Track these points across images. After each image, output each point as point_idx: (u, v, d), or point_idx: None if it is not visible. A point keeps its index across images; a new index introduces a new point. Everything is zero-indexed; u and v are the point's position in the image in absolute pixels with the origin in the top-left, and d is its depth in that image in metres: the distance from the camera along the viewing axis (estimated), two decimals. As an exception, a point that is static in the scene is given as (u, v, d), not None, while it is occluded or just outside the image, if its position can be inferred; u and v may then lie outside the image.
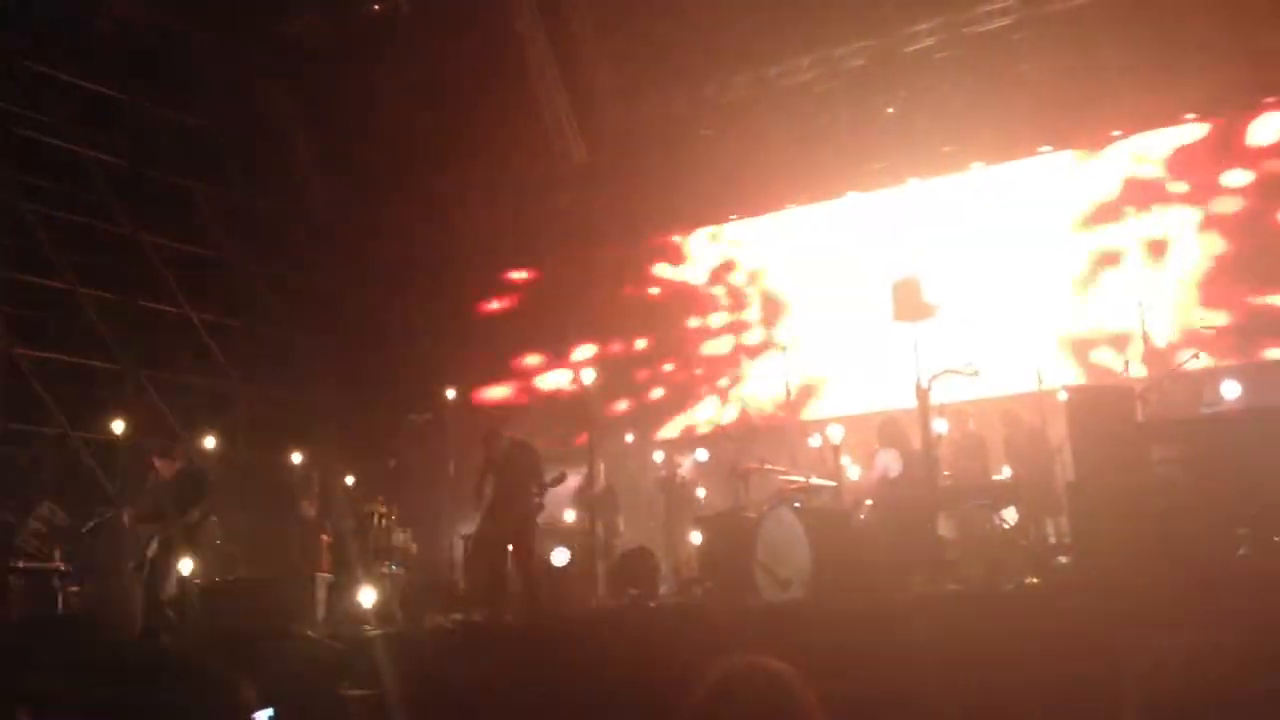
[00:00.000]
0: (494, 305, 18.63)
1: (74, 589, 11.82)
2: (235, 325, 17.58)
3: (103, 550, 11.73)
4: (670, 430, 16.70)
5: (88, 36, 15.67)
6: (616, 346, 17.54)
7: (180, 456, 12.70)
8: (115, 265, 16.18)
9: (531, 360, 17.95)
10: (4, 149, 14.92)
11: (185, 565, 10.91)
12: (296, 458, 14.16)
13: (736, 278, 17.11)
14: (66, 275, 15.35)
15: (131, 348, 15.78)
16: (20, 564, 11.52)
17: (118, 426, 12.97)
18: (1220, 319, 13.11)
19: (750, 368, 16.55)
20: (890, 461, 10.81)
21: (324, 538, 12.58)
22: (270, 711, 4.94)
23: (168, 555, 11.06)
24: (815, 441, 13.02)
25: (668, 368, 17.25)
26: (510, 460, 10.96)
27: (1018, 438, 12.02)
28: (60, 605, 11.59)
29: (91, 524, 12.41)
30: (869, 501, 11.49)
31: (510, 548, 10.77)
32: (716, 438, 15.71)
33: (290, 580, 11.59)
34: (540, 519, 13.57)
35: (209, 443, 14.06)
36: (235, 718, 4.75)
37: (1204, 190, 14.02)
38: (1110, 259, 14.40)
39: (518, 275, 18.62)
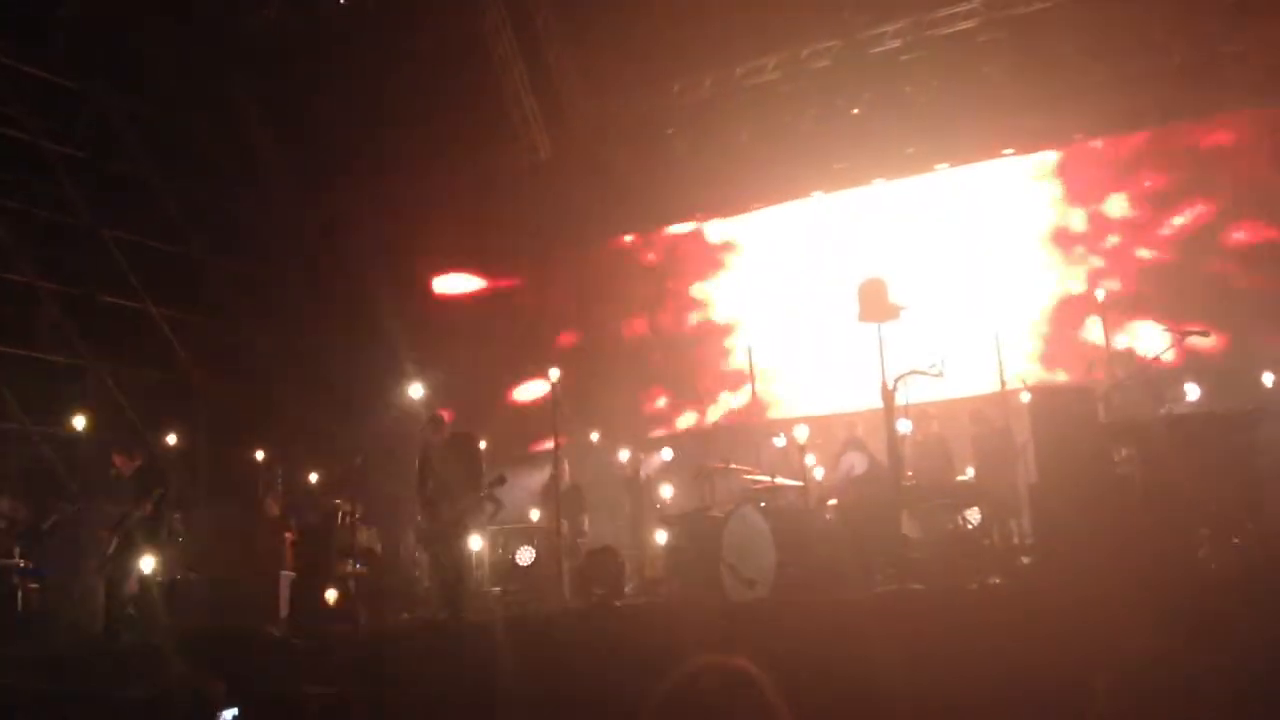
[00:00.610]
0: (459, 301, 18.56)
1: (34, 586, 11.71)
2: (198, 321, 17.46)
3: (64, 547, 11.63)
4: (636, 428, 16.69)
5: (48, 26, 15.51)
6: (581, 343, 17.52)
7: (141, 453, 12.61)
8: (76, 259, 16.06)
9: (497, 355, 17.89)
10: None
11: (147, 563, 10.82)
12: (260, 455, 14.08)
13: (700, 277, 17.13)
14: (26, 269, 15.21)
15: (93, 342, 15.65)
16: (-20, 561, 11.42)
17: (79, 422, 12.87)
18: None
19: (714, 367, 16.58)
20: (855, 460, 10.88)
21: (288, 535, 12.52)
22: (235, 710, 4.94)
23: (129, 552, 10.98)
24: (780, 441, 13.06)
25: (631, 366, 17.25)
26: (451, 451, 10.92)
27: (986, 437, 12.07)
28: (20, 603, 11.48)
29: (52, 520, 12.31)
30: (832, 501, 11.56)
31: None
32: (682, 437, 15.74)
33: (254, 578, 11.53)
34: (504, 518, 13.62)
35: (171, 439, 13.97)
36: (201, 716, 4.75)
37: (1166, 191, 14.17)
38: (1073, 260, 14.54)
39: (482, 271, 18.56)
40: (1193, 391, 11.61)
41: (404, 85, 16.72)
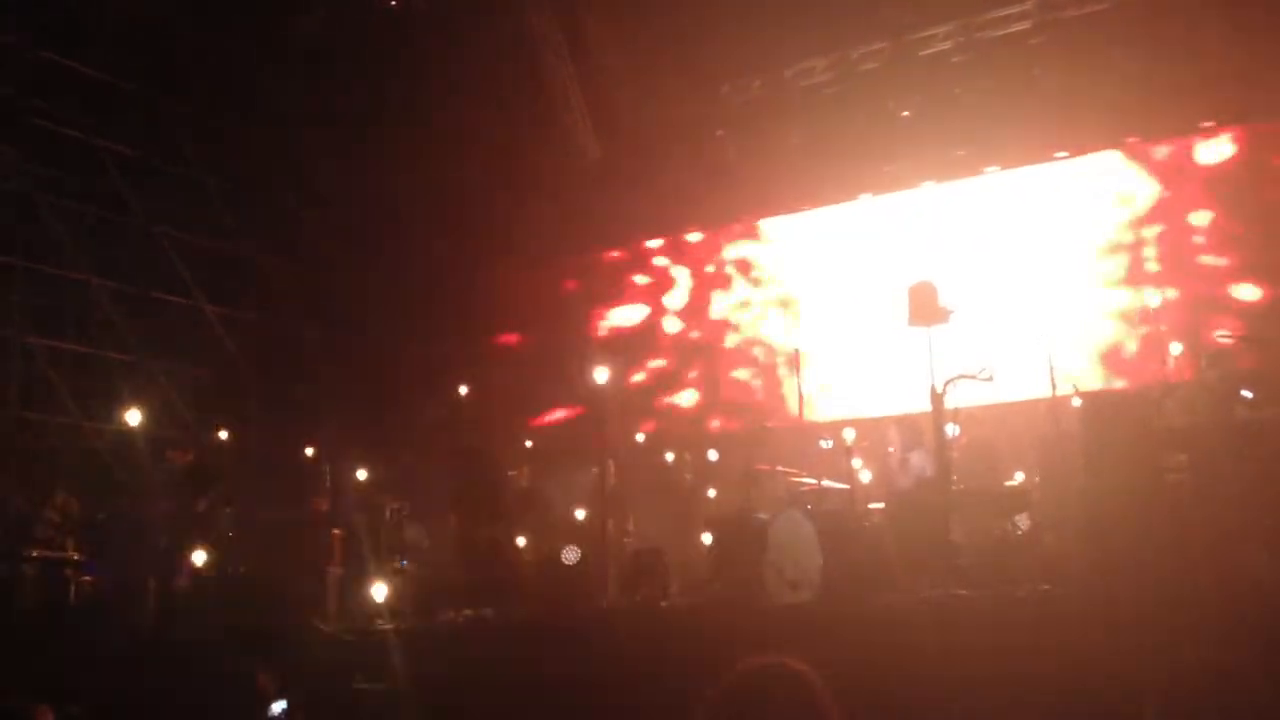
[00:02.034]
0: (505, 300, 18.63)
1: (87, 579, 11.86)
2: (248, 318, 17.64)
3: (116, 541, 11.77)
4: (681, 429, 16.69)
5: (100, 27, 15.73)
6: (627, 344, 17.53)
7: (193, 448, 12.79)
8: (129, 256, 16.28)
9: (544, 354, 17.93)
10: (18, 139, 15.01)
11: (198, 557, 10.96)
12: (309, 451, 14.20)
13: (749, 279, 17.10)
14: (80, 265, 15.43)
15: (145, 339, 15.85)
16: (34, 554, 11.57)
17: (132, 417, 13.03)
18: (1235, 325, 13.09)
19: (762, 369, 16.56)
20: (925, 462, 10.77)
21: (335, 532, 12.60)
22: (284, 703, 4.99)
23: (180, 547, 11.13)
24: (827, 444, 12.99)
25: (679, 367, 17.25)
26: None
27: (1053, 440, 11.83)
28: (73, 596, 11.64)
29: (105, 514, 12.48)
30: (875, 505, 11.48)
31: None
32: (728, 438, 15.71)
33: (302, 574, 11.62)
34: (550, 517, 13.67)
35: (222, 435, 14.12)
36: (251, 708, 4.81)
37: (1220, 196, 14.01)
38: (1125, 264, 14.40)
39: (528, 271, 18.61)
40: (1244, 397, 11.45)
41: (453, 87, 16.81)
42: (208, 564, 11.08)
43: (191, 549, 11.00)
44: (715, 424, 16.67)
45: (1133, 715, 3.45)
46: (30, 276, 15.05)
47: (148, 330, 15.96)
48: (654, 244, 17.88)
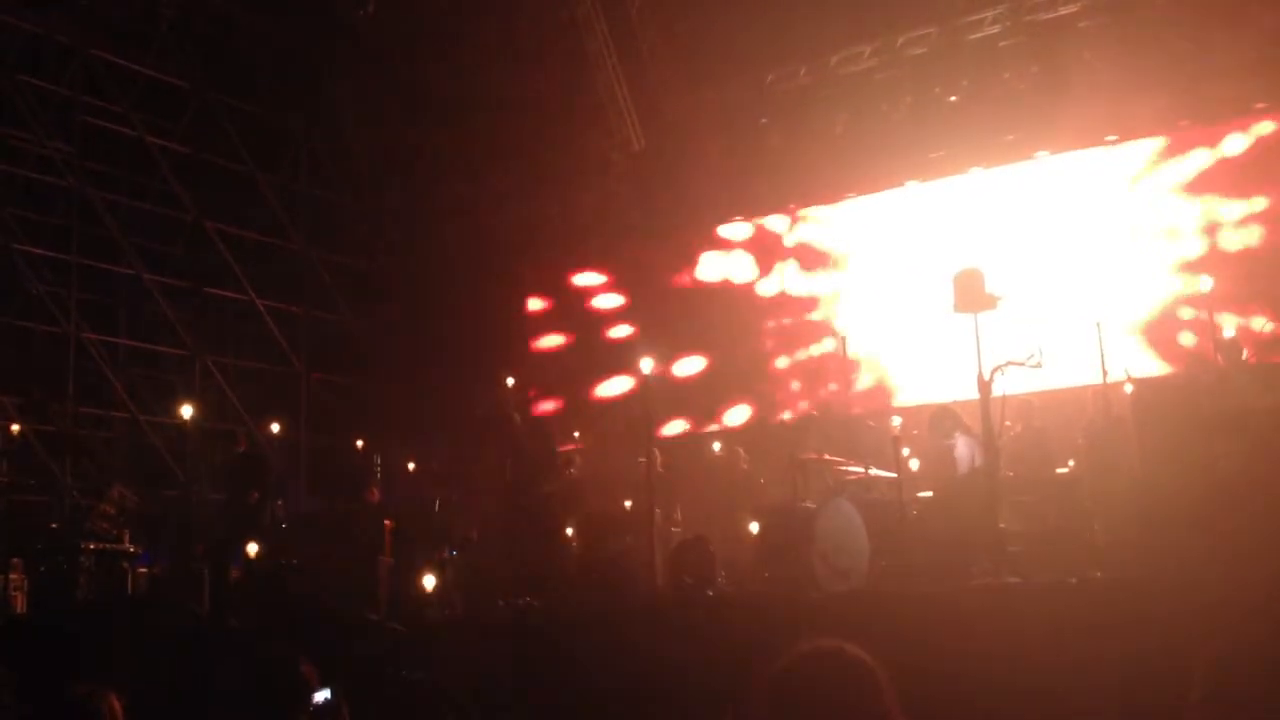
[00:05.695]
0: (552, 291, 18.66)
1: (143, 571, 12.06)
2: (299, 312, 17.81)
3: (171, 533, 11.96)
4: (727, 419, 16.67)
5: (153, 24, 15.95)
6: (673, 334, 17.48)
7: (245, 441, 12.94)
8: (182, 252, 16.51)
9: (589, 346, 17.94)
10: (72, 137, 15.25)
11: (251, 548, 11.09)
12: (360, 443, 14.33)
13: (795, 267, 17.02)
14: (134, 261, 15.65)
15: (198, 334, 16.06)
16: (91, 546, 11.77)
17: (186, 411, 13.21)
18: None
19: (808, 357, 16.48)
20: (976, 451, 10.69)
21: (386, 523, 12.71)
22: (328, 691, 5.03)
23: (233, 538, 11.27)
24: (875, 432, 12.92)
25: (725, 357, 17.20)
26: (526, 445, 11.19)
27: (1100, 425, 11.70)
28: (129, 587, 11.83)
29: (160, 507, 12.68)
30: (924, 494, 11.40)
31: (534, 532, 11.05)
32: (774, 427, 15.66)
33: (353, 564, 11.73)
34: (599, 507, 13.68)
35: (274, 428, 14.28)
36: (296, 696, 4.85)
37: (1275, 179, 13.78)
38: (1176, 249, 14.20)
39: (575, 262, 18.63)
40: None
41: (499, 79, 16.86)
42: (260, 555, 11.22)
43: (244, 540, 11.14)
44: (760, 412, 16.60)
45: (1180, 699, 3.40)
46: (85, 273, 15.30)
47: (201, 325, 16.17)
48: (698, 234, 17.80)
